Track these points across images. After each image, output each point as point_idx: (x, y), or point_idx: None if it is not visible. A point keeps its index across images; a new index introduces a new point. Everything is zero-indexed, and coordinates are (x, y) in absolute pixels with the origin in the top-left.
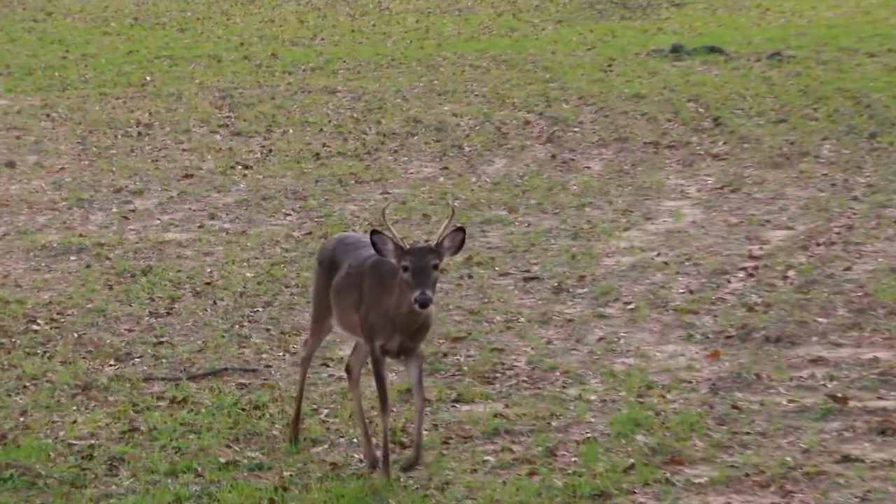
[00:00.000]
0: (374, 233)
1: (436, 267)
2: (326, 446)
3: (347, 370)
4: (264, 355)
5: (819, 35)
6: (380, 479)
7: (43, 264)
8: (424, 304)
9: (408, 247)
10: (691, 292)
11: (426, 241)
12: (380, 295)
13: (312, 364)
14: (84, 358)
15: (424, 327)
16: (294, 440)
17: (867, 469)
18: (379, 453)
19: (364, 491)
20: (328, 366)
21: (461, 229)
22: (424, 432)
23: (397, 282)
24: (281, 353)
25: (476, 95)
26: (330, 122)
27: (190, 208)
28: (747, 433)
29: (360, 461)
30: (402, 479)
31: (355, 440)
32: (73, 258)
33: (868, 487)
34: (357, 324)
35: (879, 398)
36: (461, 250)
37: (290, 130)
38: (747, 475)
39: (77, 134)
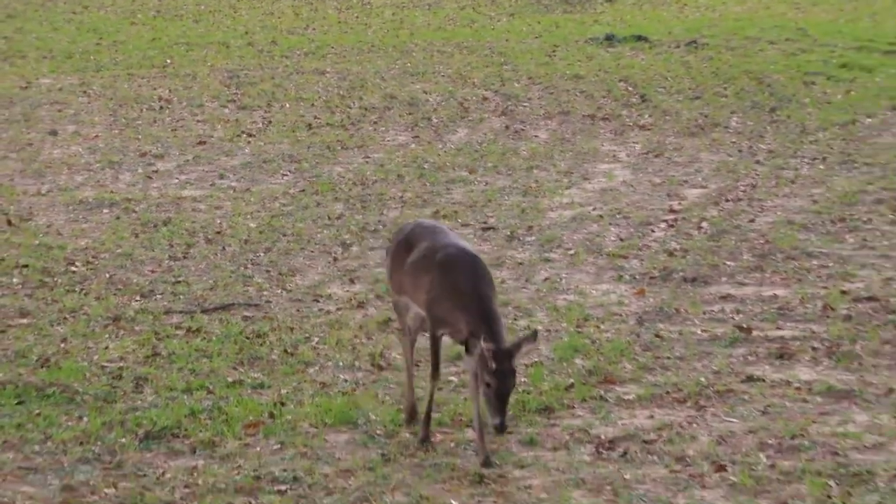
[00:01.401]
0: (472, 336)
1: (514, 385)
2: (317, 368)
3: (406, 330)
4: (265, 292)
5: (728, 26)
6: (415, 435)
7: (80, 216)
8: (502, 432)
9: (495, 366)
10: (621, 240)
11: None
12: (445, 300)
13: (304, 299)
14: (114, 294)
15: None
16: (411, 420)
17: (767, 387)
18: (415, 402)
19: (349, 405)
20: (318, 301)
21: (535, 332)
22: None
23: (458, 306)
24: (279, 291)
25: (442, 76)
26: (320, 97)
27: (203, 169)
28: (668, 358)
29: (345, 381)
30: (379, 396)
31: (341, 363)
32: (105, 211)
33: (768, 402)
34: (424, 301)
35: (778, 328)
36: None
37: (287, 105)
38: (668, 392)
39: (109, 107)
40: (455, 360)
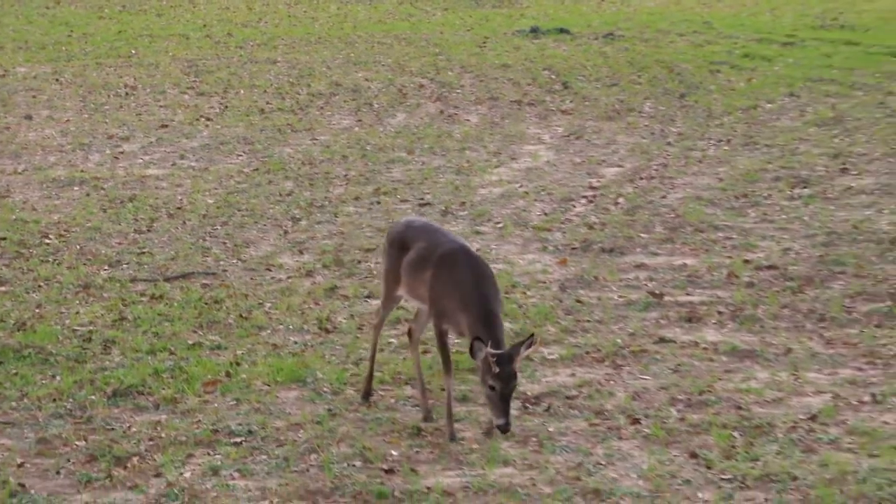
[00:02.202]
0: (476, 339)
1: (515, 387)
2: (269, 331)
3: (409, 333)
4: (222, 262)
5: (642, 20)
6: (445, 436)
7: (53, 193)
8: (506, 431)
9: (498, 369)
10: (545, 214)
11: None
12: (449, 294)
13: (257, 268)
14: (84, 264)
15: None
16: (366, 395)
17: (678, 348)
18: (429, 404)
19: (298, 365)
20: (270, 270)
21: (532, 335)
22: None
23: (468, 312)
24: (234, 261)
25: (382, 65)
26: (271, 85)
27: (165, 150)
28: (588, 321)
29: (295, 343)
30: (326, 356)
31: (291, 326)
32: (76, 188)
33: (678, 362)
34: (425, 296)
35: (687, 294)
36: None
37: (242, 91)
38: (588, 353)
39: (79, 94)
40: (396, 324)
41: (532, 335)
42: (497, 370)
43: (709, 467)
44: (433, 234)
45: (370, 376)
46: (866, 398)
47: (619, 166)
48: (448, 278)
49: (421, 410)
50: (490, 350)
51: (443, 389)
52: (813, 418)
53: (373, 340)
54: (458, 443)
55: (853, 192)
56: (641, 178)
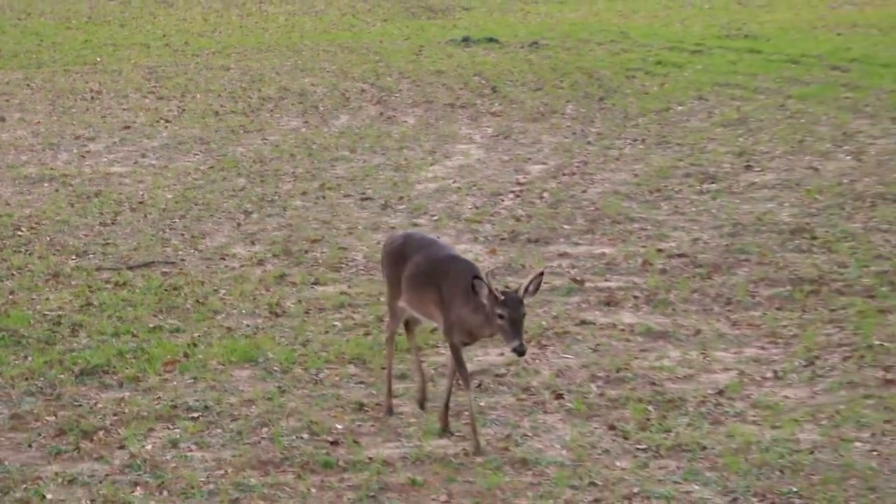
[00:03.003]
0: (475, 278)
1: (524, 314)
2: (224, 315)
3: (406, 326)
4: (180, 252)
5: (564, 30)
6: (471, 449)
7: (25, 189)
8: (522, 353)
9: (502, 297)
10: (476, 208)
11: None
12: (462, 306)
13: (212, 258)
14: (54, 254)
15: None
16: (389, 410)
17: (597, 329)
18: (393, 401)
19: (250, 346)
20: (224, 259)
21: (541, 273)
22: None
23: (481, 308)
24: (192, 251)
25: (327, 71)
26: (225, 89)
27: (128, 150)
28: None
29: (248, 326)
30: (276, 338)
31: (244, 311)
32: (46, 185)
33: (598, 342)
34: (430, 312)
35: (606, 280)
36: (539, 289)
37: (198, 96)
38: None
39: (48, 98)
40: (340, 308)
41: (541, 272)
42: (502, 298)
43: (626, 438)
44: (430, 247)
45: (389, 391)
46: (769, 375)
47: (544, 164)
48: (462, 299)
49: (416, 396)
50: (488, 283)
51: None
52: (720, 393)
53: (387, 353)
54: (396, 417)
55: (756, 186)
56: (564, 175)
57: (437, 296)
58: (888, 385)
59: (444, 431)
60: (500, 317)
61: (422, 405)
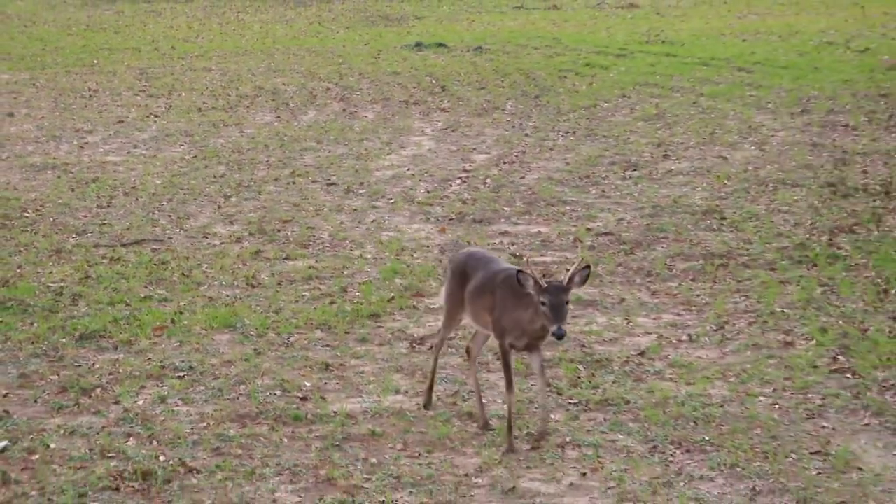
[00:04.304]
0: (520, 272)
1: (567, 302)
2: (206, 287)
3: (467, 351)
4: (167, 231)
5: (504, 36)
6: (506, 451)
7: (30, 176)
8: (561, 336)
9: (545, 285)
10: (428, 192)
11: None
12: (514, 307)
13: (196, 236)
14: (56, 233)
15: (546, 334)
16: (427, 404)
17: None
18: (486, 415)
19: (230, 314)
20: (207, 237)
21: (588, 266)
22: (548, 405)
23: (531, 304)
24: (178, 230)
25: (297, 72)
26: (207, 88)
27: (121, 141)
28: None
29: (227, 296)
30: (252, 307)
31: (224, 283)
32: (49, 172)
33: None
34: (488, 323)
35: (542, 255)
36: (586, 283)
37: (183, 94)
38: None
39: (51, 96)
40: (308, 280)
41: (587, 265)
42: (545, 286)
43: (559, 394)
44: (491, 263)
45: (431, 387)
46: (684, 338)
47: (487, 153)
48: (513, 300)
49: (478, 420)
50: (532, 274)
51: (502, 402)
52: (642, 354)
53: (434, 357)
54: (357, 375)
55: (673, 173)
56: (504, 163)
57: (491, 303)
58: (788, 347)
59: (511, 450)
60: (543, 303)
61: (485, 427)
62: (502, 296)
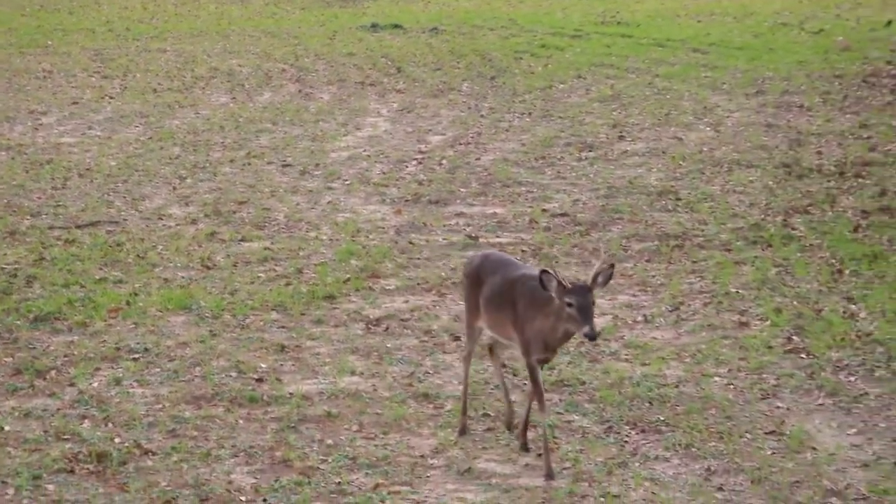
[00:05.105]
0: (543, 272)
1: (593, 303)
2: (161, 268)
3: (489, 349)
4: (122, 213)
5: (460, 17)
6: (546, 480)
7: None
8: (593, 337)
9: (570, 286)
10: (384, 173)
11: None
12: (535, 317)
13: (151, 217)
14: (11, 215)
15: (564, 343)
16: (463, 431)
17: None
18: (514, 417)
19: (185, 295)
20: (162, 219)
21: (612, 266)
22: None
23: (554, 310)
24: (133, 212)
25: (252, 54)
26: (162, 69)
27: (76, 123)
28: (418, 258)
29: (182, 277)
30: (207, 288)
31: (179, 264)
32: (3, 153)
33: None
34: (508, 333)
35: (497, 237)
36: (609, 282)
37: (138, 75)
38: (418, 284)
39: (5, 77)
40: (263, 261)
41: (612, 265)
42: (570, 286)
43: (515, 375)
44: (506, 267)
45: (465, 410)
46: (639, 319)
47: (443, 134)
48: (534, 310)
49: (504, 419)
50: (556, 275)
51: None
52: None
53: (464, 372)
54: (313, 357)
55: (628, 154)
56: (460, 144)
57: (512, 315)
58: (742, 327)
59: (524, 448)
60: (569, 305)
61: (510, 427)
62: (524, 307)
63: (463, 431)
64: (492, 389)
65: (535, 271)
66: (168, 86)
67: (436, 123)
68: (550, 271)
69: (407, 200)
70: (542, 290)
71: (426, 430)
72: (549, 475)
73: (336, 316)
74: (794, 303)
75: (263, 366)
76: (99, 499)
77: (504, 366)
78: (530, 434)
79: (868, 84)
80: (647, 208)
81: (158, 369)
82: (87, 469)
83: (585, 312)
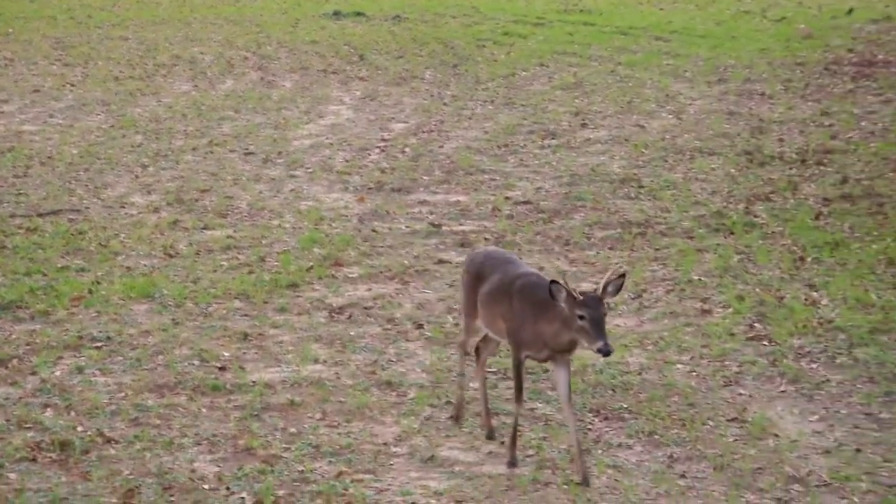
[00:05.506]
0: (552, 283)
1: (605, 314)
2: (124, 257)
3: (476, 352)
4: (84, 201)
5: (422, 5)
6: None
7: None
8: (608, 353)
9: (581, 298)
10: (347, 161)
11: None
12: (534, 318)
13: (113, 206)
14: None
15: (573, 348)
16: (490, 434)
17: (453, 267)
18: (494, 422)
19: (148, 284)
20: (124, 207)
21: (623, 275)
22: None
23: (559, 315)
24: (95, 200)
25: (215, 41)
26: (124, 57)
27: (38, 111)
28: (381, 246)
29: (145, 266)
30: (170, 276)
31: (142, 253)
32: None
33: (453, 278)
34: (501, 330)
35: (460, 224)
36: (619, 292)
37: (100, 63)
38: (381, 272)
39: None
40: (226, 249)
41: (622, 273)
42: (581, 299)
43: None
44: (509, 265)
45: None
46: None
47: (405, 122)
48: (534, 311)
49: (484, 429)
50: (566, 286)
51: (509, 413)
52: None
53: (459, 361)
54: (276, 345)
55: (591, 142)
56: (423, 132)
57: (508, 311)
58: (705, 314)
59: (511, 464)
60: (581, 317)
61: (491, 434)
62: (521, 304)
63: (491, 435)
64: (455, 377)
65: (535, 270)
66: (130, 74)
67: (398, 111)
68: (560, 282)
69: (370, 188)
70: (544, 291)
71: (389, 418)
72: (513, 462)
73: (299, 304)
74: (757, 290)
75: (226, 354)
76: (61, 487)
77: (486, 378)
78: (495, 421)
79: (829, 72)
80: (610, 196)
81: (121, 358)
82: (50, 457)
83: (598, 326)
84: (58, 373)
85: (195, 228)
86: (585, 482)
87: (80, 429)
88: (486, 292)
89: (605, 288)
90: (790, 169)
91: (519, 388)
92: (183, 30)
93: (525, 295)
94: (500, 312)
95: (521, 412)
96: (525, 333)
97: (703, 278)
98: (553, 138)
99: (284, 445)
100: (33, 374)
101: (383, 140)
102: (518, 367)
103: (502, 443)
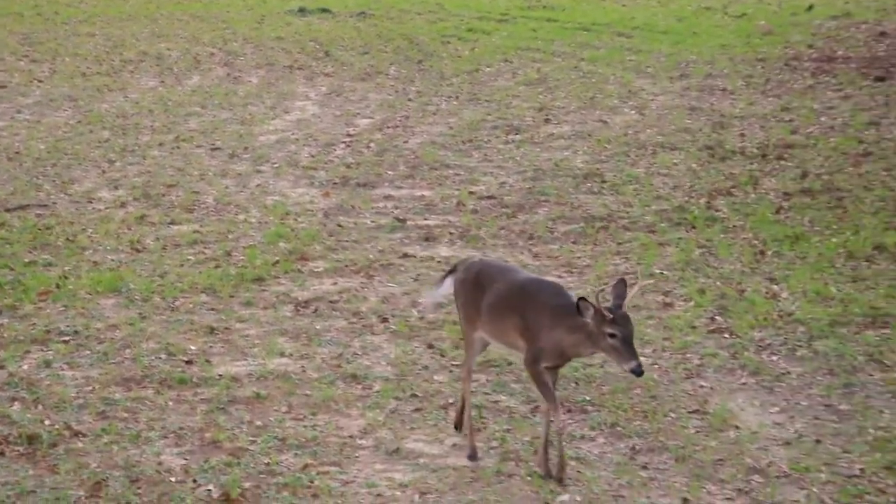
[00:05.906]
0: (580, 299)
1: (633, 328)
2: (91, 251)
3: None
4: (52, 196)
5: (388, 1)
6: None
7: None
8: (640, 374)
9: (611, 316)
10: (312, 157)
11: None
12: (552, 329)
13: (81, 201)
14: None
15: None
16: (472, 455)
17: (418, 261)
18: (475, 442)
19: (115, 278)
20: (91, 202)
21: (622, 280)
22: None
23: (581, 327)
24: (62, 195)
25: (181, 38)
26: (91, 53)
27: (5, 107)
28: (347, 241)
29: (112, 260)
30: (137, 271)
31: (109, 247)
32: None
33: (418, 272)
34: (513, 342)
35: (425, 219)
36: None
37: (67, 59)
38: (347, 266)
39: None
40: (193, 244)
41: (622, 280)
42: (611, 317)
43: (442, 356)
44: (508, 273)
45: (471, 430)
46: None
47: (371, 118)
48: (551, 322)
49: (468, 449)
50: (596, 303)
51: (551, 421)
52: None
53: (463, 389)
54: (242, 338)
55: (554, 137)
56: (388, 127)
57: (520, 322)
58: (667, 308)
59: (547, 477)
60: (612, 336)
61: (474, 455)
62: (536, 317)
63: (473, 456)
64: (420, 370)
65: (541, 278)
66: (97, 69)
67: (364, 107)
68: (589, 300)
69: (335, 183)
70: (562, 300)
71: (355, 411)
72: (547, 474)
73: (265, 298)
74: (718, 283)
75: (193, 348)
76: (29, 480)
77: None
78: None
79: (790, 67)
80: (573, 191)
81: (88, 352)
82: (18, 451)
83: (629, 346)
84: (25, 367)
85: (162, 223)
86: (560, 479)
87: (47, 422)
88: (492, 302)
89: (623, 299)
90: (751, 164)
91: (550, 397)
92: (149, 26)
93: (540, 309)
94: (512, 324)
95: (560, 419)
96: (545, 342)
97: (664, 272)
98: (517, 133)
99: (251, 438)
100: (1, 368)
101: (348, 135)
102: (538, 377)
103: (465, 435)
